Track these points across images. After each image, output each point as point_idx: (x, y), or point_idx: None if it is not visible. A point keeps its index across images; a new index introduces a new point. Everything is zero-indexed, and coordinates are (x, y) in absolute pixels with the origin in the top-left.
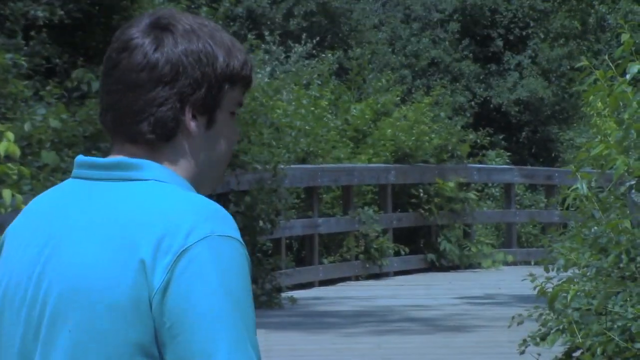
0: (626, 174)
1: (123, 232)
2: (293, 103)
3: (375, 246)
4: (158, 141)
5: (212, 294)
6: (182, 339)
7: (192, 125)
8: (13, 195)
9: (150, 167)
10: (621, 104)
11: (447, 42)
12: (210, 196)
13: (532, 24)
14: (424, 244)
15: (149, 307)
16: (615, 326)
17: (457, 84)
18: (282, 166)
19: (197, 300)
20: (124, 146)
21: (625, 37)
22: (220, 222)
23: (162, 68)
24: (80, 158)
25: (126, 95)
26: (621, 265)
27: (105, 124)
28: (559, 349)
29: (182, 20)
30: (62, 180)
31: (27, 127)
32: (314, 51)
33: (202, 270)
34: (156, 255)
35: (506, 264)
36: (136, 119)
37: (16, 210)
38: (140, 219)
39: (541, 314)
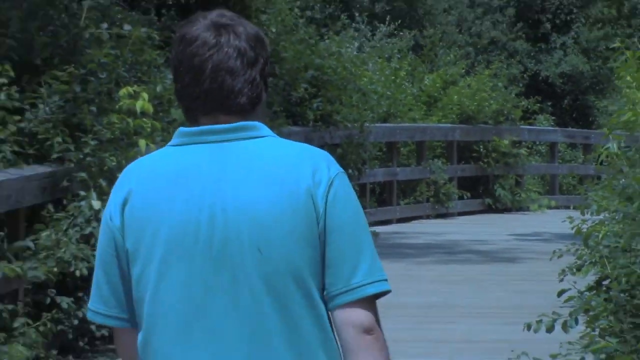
0: None
1: (281, 172)
2: (377, 73)
3: (443, 191)
4: (250, 110)
5: (355, 210)
6: (339, 238)
7: (264, 94)
8: (147, 145)
9: (262, 127)
10: None
11: (504, 25)
12: None
13: (575, 10)
14: (483, 190)
15: (316, 220)
16: (638, 261)
17: (512, 59)
18: (367, 124)
19: (346, 214)
20: (217, 117)
21: None
22: (335, 161)
23: (252, 53)
24: (190, 132)
25: (226, 79)
26: None
27: (197, 104)
28: (591, 278)
29: (227, 15)
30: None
31: (158, 88)
32: (395, 30)
33: (345, 196)
34: (314, 184)
35: (550, 208)
36: (238, 95)
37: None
38: (290, 162)
39: (577, 250)
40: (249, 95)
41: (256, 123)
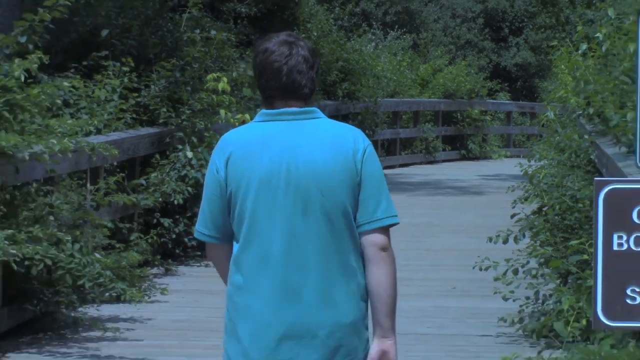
0: (576, 107)
1: (336, 141)
2: (387, 64)
3: (431, 146)
4: (310, 97)
5: (379, 169)
6: (368, 186)
7: (316, 86)
8: (225, 113)
9: (318, 112)
10: (575, 67)
11: (476, 30)
12: (338, 115)
13: (525, 19)
14: (459, 145)
15: (356, 174)
16: (567, 193)
17: (481, 54)
18: (379, 99)
19: (374, 171)
20: (288, 102)
21: (579, 28)
22: (365, 136)
23: (312, 60)
24: (271, 112)
25: (297, 77)
26: (572, 159)
27: (276, 93)
28: (534, 206)
29: (292, 35)
30: (253, 105)
31: (234, 75)
32: (400, 34)
33: (373, 159)
34: (354, 151)
35: (506, 157)
36: (304, 87)
37: (227, 123)
38: (340, 134)
39: (525, 186)
40: (310, 87)
41: (315, 108)
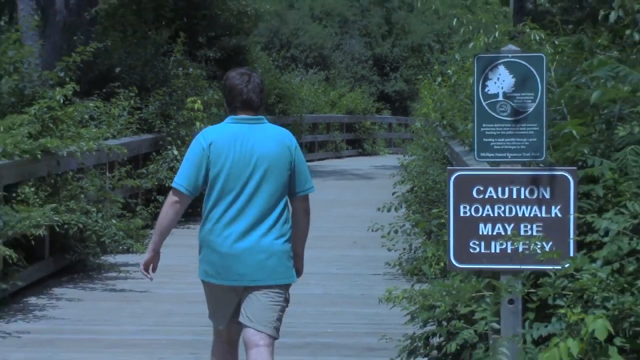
0: (434, 120)
1: (279, 139)
2: (308, 91)
3: (339, 146)
4: (259, 109)
5: (304, 158)
6: (299, 168)
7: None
8: (199, 124)
9: (264, 119)
10: (433, 92)
11: (367, 68)
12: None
13: (400, 61)
14: (357, 145)
15: (291, 160)
16: (430, 178)
17: (371, 84)
18: (303, 115)
19: (301, 159)
20: (246, 112)
21: (436, 67)
22: (294, 137)
23: (261, 85)
24: (236, 117)
25: (252, 96)
26: (432, 155)
27: (238, 105)
28: (408, 187)
29: (247, 68)
30: (217, 119)
31: (205, 98)
32: (316, 71)
33: (300, 151)
34: (290, 145)
35: (389, 154)
36: (259, 103)
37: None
38: (281, 134)
39: (402, 173)
40: (259, 103)
41: (262, 117)
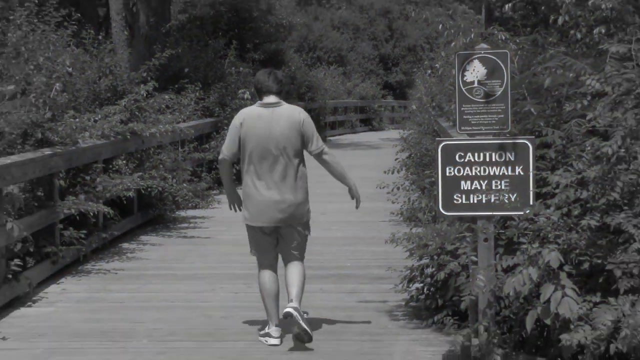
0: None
1: (291, 119)
2: (330, 83)
3: (354, 124)
4: (279, 94)
5: (312, 126)
6: (307, 136)
7: (283, 90)
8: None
9: (283, 102)
10: (425, 82)
11: (375, 64)
12: (306, 109)
13: (400, 58)
14: (368, 123)
15: (301, 132)
16: (423, 147)
17: (377, 76)
18: (327, 101)
19: (308, 129)
20: (269, 97)
21: (426, 62)
22: (305, 112)
23: (279, 77)
24: (261, 102)
25: (274, 84)
26: (425, 129)
27: (264, 93)
28: (407, 153)
29: (272, 69)
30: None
31: (252, 90)
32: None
33: (308, 122)
34: (298, 120)
35: (392, 129)
36: (278, 89)
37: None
38: (292, 112)
39: (402, 143)
40: (278, 89)
41: (281, 100)
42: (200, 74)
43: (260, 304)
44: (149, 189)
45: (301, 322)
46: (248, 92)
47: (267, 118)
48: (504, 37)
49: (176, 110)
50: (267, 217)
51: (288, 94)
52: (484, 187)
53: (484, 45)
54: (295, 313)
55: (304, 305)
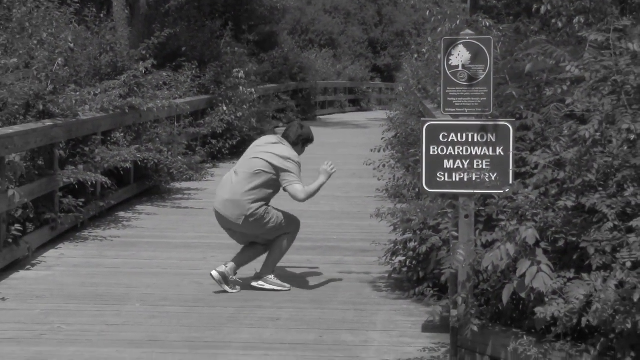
0: (413, 85)
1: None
2: (321, 64)
3: (343, 104)
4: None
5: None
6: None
7: None
8: (241, 88)
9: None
10: (412, 65)
11: (364, 47)
12: (298, 89)
13: (388, 43)
14: (357, 103)
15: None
16: (409, 127)
17: (367, 59)
18: (318, 82)
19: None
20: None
21: (413, 47)
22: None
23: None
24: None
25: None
26: (411, 110)
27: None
28: (393, 133)
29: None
30: (254, 85)
31: (246, 69)
32: (327, 50)
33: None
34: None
35: (379, 110)
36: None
37: (242, 93)
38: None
39: (388, 123)
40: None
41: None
42: (197, 53)
43: (251, 272)
44: (145, 161)
45: (223, 285)
46: (242, 72)
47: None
48: (488, 24)
49: (173, 87)
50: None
51: (281, 74)
52: (466, 166)
53: (469, 32)
54: (216, 276)
55: (289, 274)
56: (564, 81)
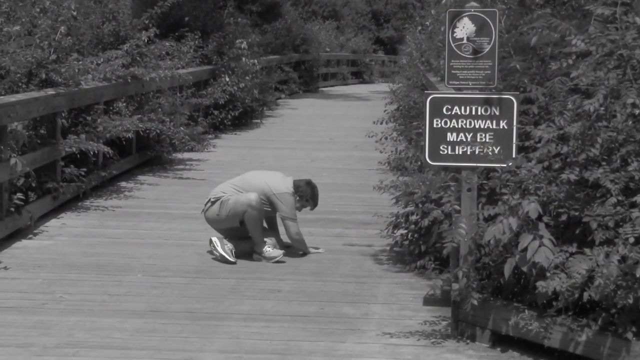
0: (416, 58)
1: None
2: (324, 36)
3: (345, 76)
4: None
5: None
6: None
7: None
8: (244, 58)
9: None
10: (415, 38)
11: (367, 19)
12: (301, 60)
13: (391, 15)
14: (359, 75)
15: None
16: (412, 100)
17: (370, 31)
18: (321, 53)
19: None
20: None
21: (417, 19)
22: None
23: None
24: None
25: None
26: (414, 82)
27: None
28: (395, 106)
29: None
30: (257, 56)
31: (249, 40)
32: (330, 22)
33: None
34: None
35: (382, 82)
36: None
37: (245, 64)
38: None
39: (391, 96)
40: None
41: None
42: (199, 23)
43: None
44: (147, 131)
45: (218, 248)
46: (245, 42)
47: None
48: None
49: (175, 57)
50: None
51: (283, 46)
52: (469, 139)
53: (474, 4)
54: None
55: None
56: (569, 55)
